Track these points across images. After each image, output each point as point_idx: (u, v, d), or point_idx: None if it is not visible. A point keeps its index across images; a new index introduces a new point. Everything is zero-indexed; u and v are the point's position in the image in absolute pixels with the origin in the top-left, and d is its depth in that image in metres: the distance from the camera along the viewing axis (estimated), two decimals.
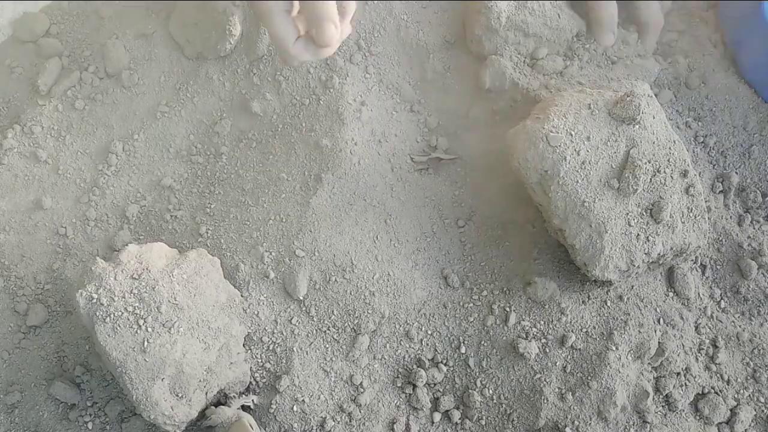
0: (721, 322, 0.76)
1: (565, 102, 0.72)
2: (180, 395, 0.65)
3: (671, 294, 0.75)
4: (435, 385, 0.73)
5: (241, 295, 0.72)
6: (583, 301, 0.74)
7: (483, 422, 0.71)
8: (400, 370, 0.73)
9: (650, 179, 0.69)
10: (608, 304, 0.73)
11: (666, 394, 0.72)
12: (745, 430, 0.73)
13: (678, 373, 0.72)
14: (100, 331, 0.63)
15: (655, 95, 0.75)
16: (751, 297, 0.77)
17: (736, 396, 0.73)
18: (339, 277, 0.74)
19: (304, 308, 0.74)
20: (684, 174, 0.71)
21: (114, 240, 0.77)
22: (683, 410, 0.72)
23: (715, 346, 0.74)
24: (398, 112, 0.82)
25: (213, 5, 0.80)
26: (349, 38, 0.82)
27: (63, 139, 0.81)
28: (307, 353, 0.72)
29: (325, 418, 0.70)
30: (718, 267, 0.78)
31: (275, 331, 0.73)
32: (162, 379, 0.63)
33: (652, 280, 0.75)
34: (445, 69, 0.83)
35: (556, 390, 0.70)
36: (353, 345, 0.73)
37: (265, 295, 0.73)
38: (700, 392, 0.73)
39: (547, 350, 0.71)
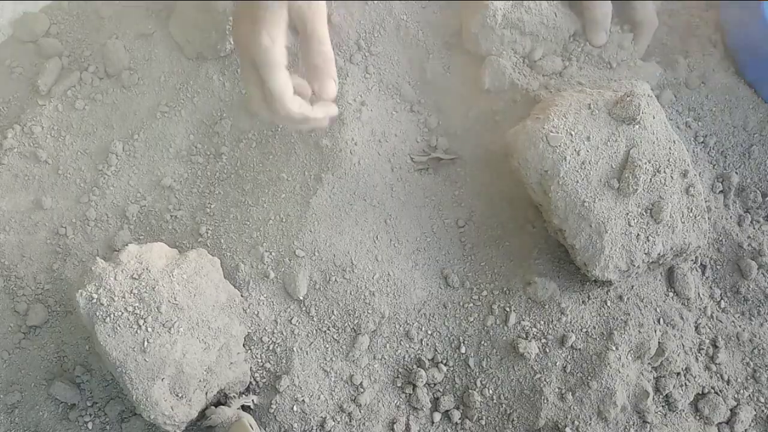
0: (721, 322, 0.76)
1: (565, 102, 0.72)
2: (180, 395, 0.65)
3: (671, 294, 0.75)
4: (435, 385, 0.73)
5: (241, 295, 0.72)
6: (583, 301, 0.73)
7: (483, 422, 0.71)
8: (400, 370, 0.73)
9: (650, 179, 0.69)
10: (608, 304, 0.73)
11: (666, 394, 0.72)
12: (745, 430, 0.73)
13: (678, 373, 0.72)
14: (100, 331, 0.62)
15: (657, 96, 0.75)
16: (751, 297, 0.77)
17: (736, 396, 0.73)
18: (339, 277, 0.74)
19: (304, 308, 0.74)
20: (684, 174, 0.70)
21: (114, 240, 0.77)
22: (683, 410, 0.72)
23: (715, 346, 0.74)
24: (398, 112, 0.82)
25: (213, 5, 0.80)
26: (349, 38, 0.82)
27: (63, 139, 0.81)
28: (307, 353, 0.72)
29: (325, 418, 0.70)
30: (718, 267, 0.78)
31: (275, 331, 0.73)
32: (162, 379, 0.63)
33: (652, 280, 0.75)
34: (445, 69, 0.83)
35: (556, 390, 0.70)
36: (353, 345, 0.73)
37: (265, 295, 0.73)
38: (700, 392, 0.73)
39: (547, 350, 0.71)
